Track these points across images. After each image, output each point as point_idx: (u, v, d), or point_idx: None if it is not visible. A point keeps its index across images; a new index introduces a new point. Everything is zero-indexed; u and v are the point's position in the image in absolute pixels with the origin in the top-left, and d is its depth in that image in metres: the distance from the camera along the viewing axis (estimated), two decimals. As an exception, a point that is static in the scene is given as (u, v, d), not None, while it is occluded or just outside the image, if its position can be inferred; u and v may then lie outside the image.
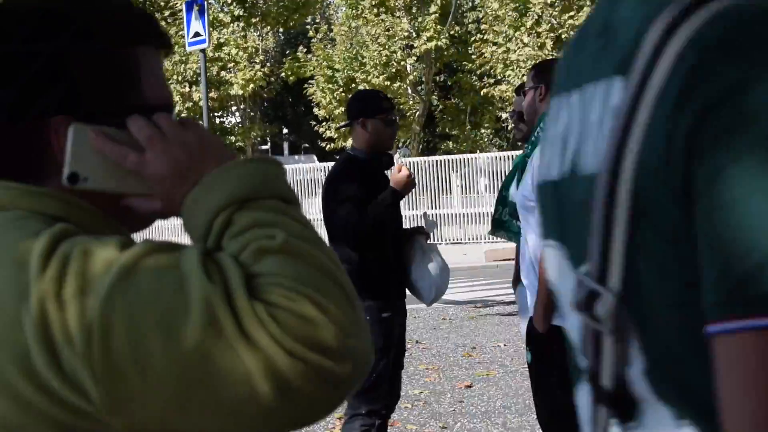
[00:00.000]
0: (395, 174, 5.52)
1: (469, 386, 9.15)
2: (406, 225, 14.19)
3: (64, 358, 1.23)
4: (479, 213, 28.03)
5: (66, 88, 1.42)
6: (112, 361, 1.22)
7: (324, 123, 32.39)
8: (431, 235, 5.86)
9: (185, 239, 1.41)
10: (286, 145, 50.53)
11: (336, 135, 31.69)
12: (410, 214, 23.69)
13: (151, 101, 1.48)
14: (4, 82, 1.42)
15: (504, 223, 5.34)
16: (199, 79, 33.24)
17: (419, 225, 5.93)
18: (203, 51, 13.53)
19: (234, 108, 35.43)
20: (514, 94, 25.86)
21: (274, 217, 1.33)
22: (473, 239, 26.92)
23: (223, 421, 1.24)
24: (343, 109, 30.46)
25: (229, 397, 1.22)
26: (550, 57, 29.38)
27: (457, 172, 28.39)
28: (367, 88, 29.49)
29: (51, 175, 1.43)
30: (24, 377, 1.25)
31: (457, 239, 26.53)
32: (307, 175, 26.95)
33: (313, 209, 23.26)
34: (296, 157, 48.32)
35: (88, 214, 1.43)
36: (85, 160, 1.40)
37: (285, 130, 47.91)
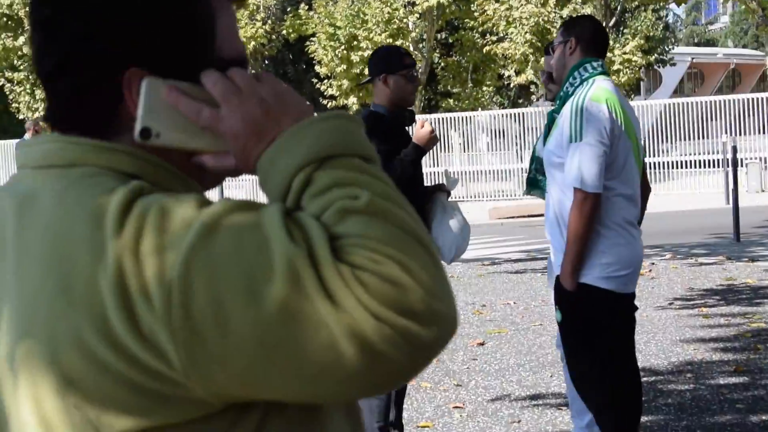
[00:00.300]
0: (418, 130, 5.50)
1: (482, 344, 9.16)
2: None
3: (143, 321, 1.20)
4: (480, 171, 28.07)
5: (139, 42, 1.36)
6: (192, 323, 1.19)
7: (326, 81, 32.24)
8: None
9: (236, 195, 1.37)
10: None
11: (338, 93, 31.57)
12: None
13: (225, 55, 1.41)
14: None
15: (539, 182, 5.30)
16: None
17: (440, 182, 5.89)
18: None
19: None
20: (516, 51, 25.65)
21: (355, 176, 1.28)
22: (475, 197, 26.95)
23: (305, 385, 1.21)
24: (345, 66, 30.37)
25: (312, 361, 1.19)
26: (553, 14, 29.24)
27: (457, 129, 28.36)
28: (369, 45, 29.37)
29: (123, 131, 1.37)
30: (102, 340, 1.22)
31: (459, 197, 26.52)
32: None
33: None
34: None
35: (160, 171, 1.37)
36: (158, 115, 1.34)
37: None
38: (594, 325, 4.72)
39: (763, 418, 6.49)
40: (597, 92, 4.69)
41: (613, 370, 4.75)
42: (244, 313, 1.18)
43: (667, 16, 50.91)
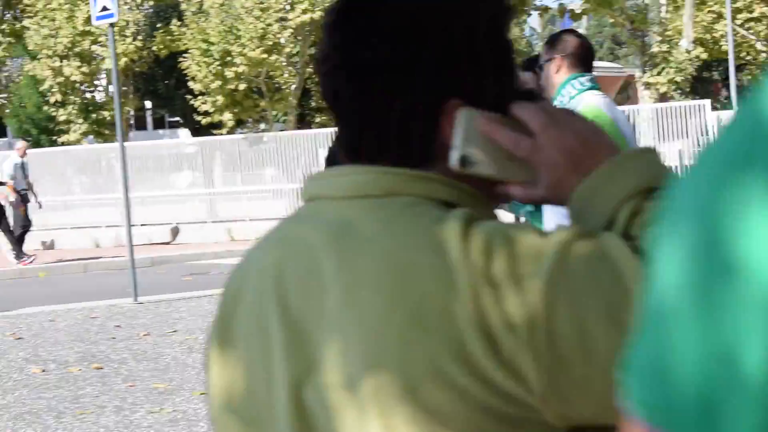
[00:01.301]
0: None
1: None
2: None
3: (505, 346, 1.21)
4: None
5: (460, 74, 1.39)
6: (556, 349, 1.21)
7: (200, 97, 31.82)
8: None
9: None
10: (150, 120, 49.85)
11: (212, 109, 31.23)
12: (289, 187, 23.49)
13: (522, 87, 1.46)
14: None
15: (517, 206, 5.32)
16: (69, 53, 32.59)
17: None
18: (112, 25, 13.22)
19: (106, 82, 34.76)
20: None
21: None
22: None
23: None
24: (219, 82, 30.11)
25: None
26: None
27: (324, 146, 28.14)
28: (244, 61, 29.23)
29: (434, 160, 1.38)
30: (460, 366, 1.22)
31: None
32: (172, 150, 26.63)
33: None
34: (161, 131, 47.58)
35: (473, 199, 1.38)
36: (474, 144, 1.36)
37: (149, 104, 47.18)
38: None
39: None
40: (584, 110, 4.68)
41: None
42: (608, 340, 1.20)
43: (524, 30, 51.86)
